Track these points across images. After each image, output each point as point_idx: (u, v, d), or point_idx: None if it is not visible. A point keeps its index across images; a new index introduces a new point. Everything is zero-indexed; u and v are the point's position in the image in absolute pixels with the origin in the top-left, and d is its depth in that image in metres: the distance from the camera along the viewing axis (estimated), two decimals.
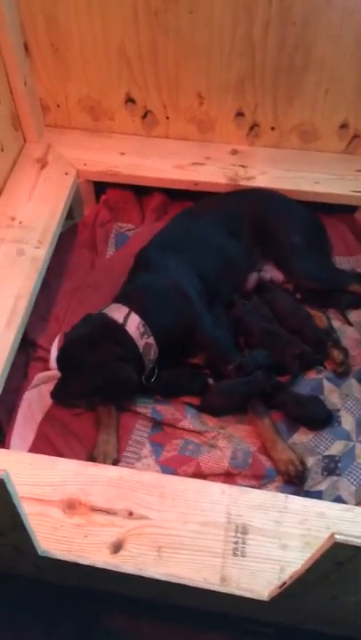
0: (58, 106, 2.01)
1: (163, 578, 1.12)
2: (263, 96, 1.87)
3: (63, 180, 1.91)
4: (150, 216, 2.05)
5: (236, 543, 1.18)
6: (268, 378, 1.54)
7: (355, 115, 1.87)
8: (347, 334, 1.73)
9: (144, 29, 1.74)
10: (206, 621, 1.35)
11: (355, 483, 1.42)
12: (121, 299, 1.57)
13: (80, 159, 1.98)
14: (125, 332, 1.47)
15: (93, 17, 1.73)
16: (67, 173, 1.93)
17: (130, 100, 1.95)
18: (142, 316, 1.49)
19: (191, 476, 1.43)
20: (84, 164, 1.97)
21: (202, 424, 1.55)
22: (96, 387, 1.46)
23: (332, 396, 1.60)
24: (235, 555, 1.17)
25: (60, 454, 1.45)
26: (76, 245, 1.99)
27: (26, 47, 1.81)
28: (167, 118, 1.99)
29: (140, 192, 2.08)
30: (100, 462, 1.42)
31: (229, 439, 1.51)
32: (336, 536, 0.73)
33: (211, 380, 1.59)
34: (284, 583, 0.96)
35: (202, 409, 1.56)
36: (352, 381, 1.63)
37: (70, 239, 1.99)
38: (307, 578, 0.88)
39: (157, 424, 1.56)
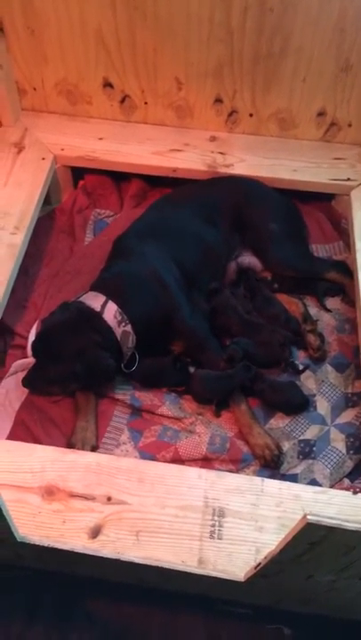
0: (34, 89, 1.98)
1: (140, 561, 1.13)
2: (241, 83, 1.86)
3: (40, 164, 1.89)
4: (129, 202, 2.04)
5: (213, 526, 1.21)
6: (249, 371, 1.56)
7: (332, 103, 1.88)
8: (323, 321, 1.76)
9: (121, 14, 1.72)
10: (185, 603, 1.38)
11: (329, 466, 1.45)
12: (98, 287, 1.56)
13: (57, 144, 1.95)
14: (102, 320, 1.47)
15: (70, 0, 1.70)
16: (44, 158, 1.91)
17: (108, 85, 1.93)
18: (119, 304, 1.49)
19: (170, 462, 1.45)
20: (62, 149, 1.94)
21: (180, 410, 1.56)
22: (74, 374, 1.45)
23: (308, 381, 1.63)
24: (212, 537, 1.19)
25: (39, 441, 1.45)
26: (53, 231, 1.97)
27: (1, 29, 1.77)
28: (145, 103, 1.97)
29: (119, 178, 2.06)
30: (78, 449, 1.43)
31: (207, 425, 1.53)
32: (308, 517, 0.75)
33: (192, 369, 1.60)
34: (259, 564, 0.99)
35: (187, 392, 1.57)
36: (328, 367, 1.66)
37: (48, 225, 1.97)
38: (281, 558, 0.90)
39: (136, 410, 1.57)
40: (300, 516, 0.77)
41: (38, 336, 1.52)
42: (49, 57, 1.87)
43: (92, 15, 1.73)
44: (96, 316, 1.47)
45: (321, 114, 1.92)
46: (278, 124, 1.97)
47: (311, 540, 0.81)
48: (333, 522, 0.74)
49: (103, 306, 1.49)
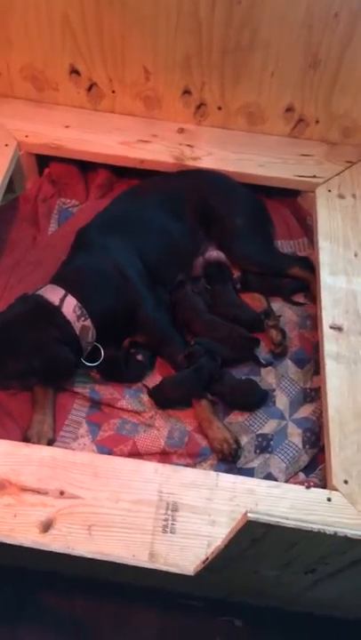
0: None
1: (90, 555, 1.13)
2: (210, 75, 1.85)
3: (3, 151, 1.84)
4: (95, 192, 2.01)
5: (166, 520, 1.21)
6: (214, 361, 1.56)
7: (300, 98, 1.88)
8: (286, 316, 1.77)
9: None
10: (138, 596, 1.38)
11: (285, 460, 1.47)
12: (58, 280, 1.54)
13: (22, 130, 1.91)
14: (61, 314, 1.45)
15: None
16: (7, 145, 1.86)
17: (74, 72, 1.89)
18: (79, 297, 1.47)
19: (127, 456, 1.44)
20: (26, 136, 1.90)
21: (140, 404, 1.56)
22: (32, 368, 1.43)
23: (268, 376, 1.64)
24: (164, 531, 1.19)
25: None
26: (16, 220, 1.93)
27: None
28: (113, 92, 1.94)
29: (86, 167, 2.03)
30: (34, 442, 1.41)
31: (166, 419, 1.53)
32: (249, 514, 0.75)
33: (139, 356, 1.59)
34: (207, 559, 0.99)
35: (155, 403, 1.55)
36: (288, 362, 1.67)
37: (10, 213, 1.93)
38: (226, 553, 0.91)
39: (95, 404, 1.55)
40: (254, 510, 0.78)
41: None
42: (14, 41, 1.83)
43: (57, 0, 1.69)
44: (54, 310, 1.45)
45: (289, 109, 1.92)
46: (247, 119, 1.97)
47: (253, 537, 0.82)
48: (273, 519, 0.75)
49: (62, 300, 1.47)
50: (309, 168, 1.91)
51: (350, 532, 0.73)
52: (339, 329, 1.56)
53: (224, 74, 1.83)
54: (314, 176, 1.89)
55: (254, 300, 1.78)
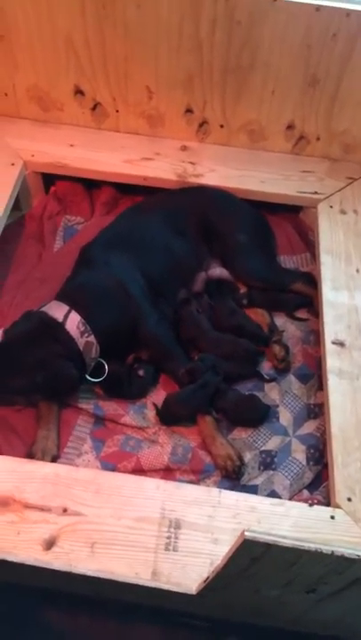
0: (6, 94, 1.97)
1: (93, 574, 1.13)
2: (212, 94, 1.87)
3: (9, 170, 1.88)
4: (100, 209, 2.03)
5: (168, 538, 1.21)
6: (217, 374, 1.56)
7: (301, 116, 1.90)
8: (289, 332, 1.77)
9: (91, 21, 1.72)
10: (141, 615, 1.37)
11: (289, 477, 1.46)
12: (62, 296, 1.56)
13: (28, 150, 1.94)
14: (65, 330, 1.47)
15: (40, 6, 1.70)
16: (13, 164, 1.90)
17: (79, 92, 1.93)
18: (83, 314, 1.49)
19: (131, 472, 1.45)
20: (32, 155, 1.93)
21: (144, 420, 1.56)
22: (35, 384, 1.45)
23: (272, 392, 1.64)
24: (167, 549, 1.19)
25: None
26: (23, 238, 1.96)
27: None
28: (117, 111, 1.98)
29: (91, 185, 2.06)
30: (38, 458, 1.42)
31: (170, 435, 1.53)
32: (246, 533, 0.75)
33: (141, 372, 1.60)
34: (207, 577, 0.99)
35: (161, 420, 1.55)
36: (292, 378, 1.67)
37: (17, 231, 1.96)
38: (225, 572, 0.91)
39: (99, 420, 1.56)
40: (255, 528, 0.78)
41: (0, 346, 1.51)
42: (20, 63, 1.87)
43: (62, 22, 1.73)
44: (58, 327, 1.47)
45: (290, 127, 1.94)
46: (248, 136, 1.99)
47: (252, 556, 0.82)
48: (270, 538, 0.75)
49: (66, 316, 1.48)
50: (311, 184, 1.93)
51: (347, 552, 0.73)
52: (341, 344, 1.56)
53: (225, 92, 1.86)
54: (315, 192, 1.91)
55: (257, 316, 1.78)
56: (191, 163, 1.97)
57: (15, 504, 1.23)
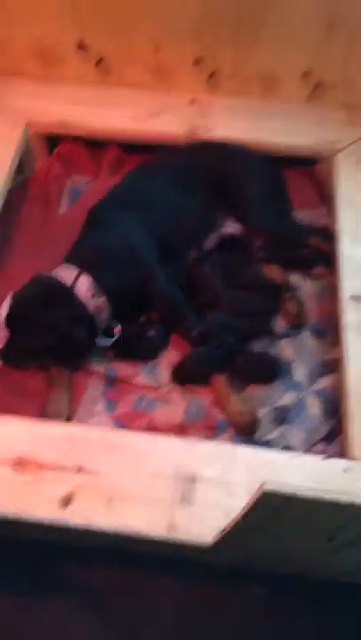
0: (4, 50, 1.90)
1: (110, 529, 1.13)
2: (222, 42, 1.78)
3: (11, 131, 1.82)
4: (106, 169, 1.98)
5: (184, 492, 1.21)
6: (233, 337, 1.54)
7: (318, 62, 1.80)
8: (304, 288, 1.73)
9: None
10: (157, 566, 1.38)
11: (303, 431, 1.44)
12: (70, 259, 1.54)
13: (30, 109, 1.89)
14: (74, 293, 1.45)
15: None
16: (15, 125, 1.84)
17: (82, 46, 1.86)
18: (92, 276, 1.47)
19: (145, 431, 1.44)
20: (34, 115, 1.88)
21: (156, 380, 1.55)
22: (48, 347, 1.43)
23: (286, 349, 1.61)
24: (182, 503, 1.19)
25: (12, 412, 1.43)
26: (27, 201, 1.92)
27: None
28: (122, 65, 1.90)
29: (95, 144, 2.00)
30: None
31: (183, 394, 1.52)
32: (264, 486, 0.74)
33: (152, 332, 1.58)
34: (225, 529, 0.99)
35: (176, 379, 1.54)
36: (307, 334, 1.64)
37: (21, 194, 1.91)
38: (244, 524, 0.90)
39: (111, 381, 1.55)
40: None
41: (10, 310, 1.49)
42: (18, 16, 1.79)
43: None
44: (67, 290, 1.45)
45: (306, 74, 1.85)
46: (261, 85, 1.90)
47: (271, 508, 0.81)
48: (288, 490, 0.73)
49: (75, 279, 1.46)
50: (328, 134, 1.84)
51: None
52: (359, 299, 1.52)
53: (237, 40, 1.76)
54: (332, 142, 1.82)
55: (272, 272, 1.74)
56: (201, 116, 1.90)
57: (30, 464, 1.23)
